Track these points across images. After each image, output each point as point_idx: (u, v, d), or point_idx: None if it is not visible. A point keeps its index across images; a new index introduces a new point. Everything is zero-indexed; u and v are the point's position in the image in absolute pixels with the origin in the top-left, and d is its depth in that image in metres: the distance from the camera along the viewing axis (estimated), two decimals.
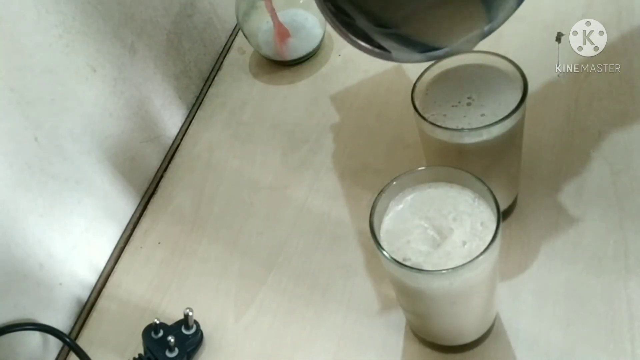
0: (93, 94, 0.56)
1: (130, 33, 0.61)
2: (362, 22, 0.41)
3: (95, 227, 0.57)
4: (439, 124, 0.42)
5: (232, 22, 0.80)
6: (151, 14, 0.64)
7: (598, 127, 0.55)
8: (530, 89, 0.42)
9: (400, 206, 0.40)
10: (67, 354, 0.52)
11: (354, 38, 0.41)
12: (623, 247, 0.47)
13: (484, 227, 0.37)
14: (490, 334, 0.45)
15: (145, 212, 0.62)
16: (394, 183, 0.39)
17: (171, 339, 0.47)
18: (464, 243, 0.37)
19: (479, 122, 0.42)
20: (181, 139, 0.68)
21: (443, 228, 0.38)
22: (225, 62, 0.76)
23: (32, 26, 0.49)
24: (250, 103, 0.70)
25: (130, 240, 0.60)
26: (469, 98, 0.44)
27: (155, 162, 0.66)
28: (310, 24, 0.70)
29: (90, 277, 0.57)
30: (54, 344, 0.52)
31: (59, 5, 0.52)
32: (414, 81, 0.44)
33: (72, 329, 0.54)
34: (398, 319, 0.47)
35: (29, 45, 0.49)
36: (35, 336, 0.50)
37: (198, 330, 0.49)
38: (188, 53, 0.71)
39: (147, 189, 0.64)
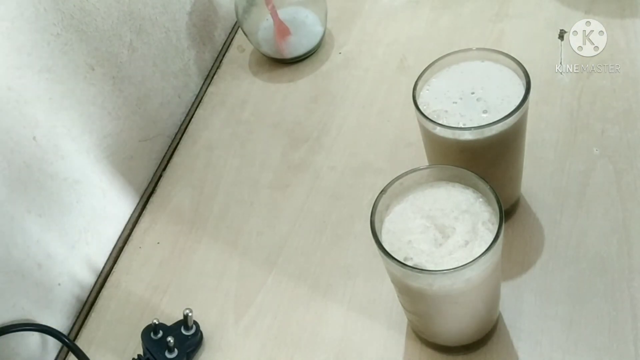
0: (92, 92, 0.56)
1: (129, 31, 0.60)
2: None
3: (93, 226, 0.56)
4: (440, 121, 0.42)
5: (231, 20, 0.80)
6: (150, 12, 0.64)
7: (601, 125, 0.54)
8: (533, 86, 0.42)
9: (402, 205, 0.39)
10: (66, 355, 0.52)
11: None
12: (626, 246, 0.46)
13: (486, 226, 0.37)
14: (492, 334, 0.44)
15: (144, 211, 0.62)
16: (396, 182, 0.39)
17: (171, 339, 0.47)
18: (466, 242, 0.36)
19: (481, 119, 0.42)
20: (180, 138, 0.68)
21: (445, 227, 0.37)
22: (225, 60, 0.76)
23: (30, 24, 0.49)
24: (250, 101, 0.69)
25: (129, 240, 0.60)
26: (471, 94, 0.43)
27: (154, 161, 0.65)
28: (311, 22, 0.70)
29: (89, 277, 0.56)
30: (53, 344, 0.52)
31: (58, 4, 0.51)
32: (415, 78, 0.44)
33: (71, 329, 0.54)
34: (399, 319, 0.47)
35: (27, 43, 0.49)
36: (34, 337, 0.50)
37: (198, 330, 0.49)
38: (187, 51, 0.71)
39: (146, 188, 0.64)
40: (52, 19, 0.51)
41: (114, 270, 0.57)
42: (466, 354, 0.44)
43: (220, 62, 0.76)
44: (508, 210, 0.50)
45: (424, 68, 0.44)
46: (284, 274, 0.53)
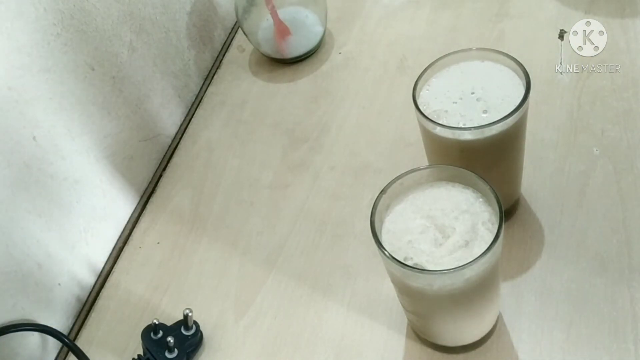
0: (92, 92, 0.56)
1: (129, 31, 0.60)
2: None
3: (93, 226, 0.56)
4: (440, 121, 0.42)
5: (231, 20, 0.80)
6: (150, 12, 0.64)
7: (601, 125, 0.54)
8: (533, 86, 0.42)
9: (402, 205, 0.39)
10: (66, 355, 0.52)
11: None
12: (626, 246, 0.46)
13: (486, 226, 0.37)
14: (492, 334, 0.44)
15: (144, 211, 0.62)
16: (396, 182, 0.39)
17: (171, 339, 0.47)
18: (466, 242, 0.36)
19: (481, 119, 0.42)
20: (180, 138, 0.68)
21: (445, 227, 0.37)
22: (225, 60, 0.76)
23: (30, 24, 0.49)
24: (250, 101, 0.69)
25: (129, 240, 0.59)
26: (471, 94, 0.43)
27: (154, 161, 0.65)
28: (311, 22, 0.70)
29: (89, 277, 0.56)
30: (53, 344, 0.52)
31: (58, 4, 0.51)
32: (415, 78, 0.44)
33: (71, 329, 0.54)
34: (400, 319, 0.47)
35: (27, 43, 0.49)
36: (34, 337, 0.50)
37: (198, 330, 0.49)
38: (187, 51, 0.71)
39: (146, 188, 0.64)
40: (52, 19, 0.51)
41: (114, 270, 0.57)
42: (466, 354, 0.44)
43: (220, 62, 0.76)
44: (508, 210, 0.50)
45: (424, 68, 0.44)
46: (284, 274, 0.53)
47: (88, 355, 0.50)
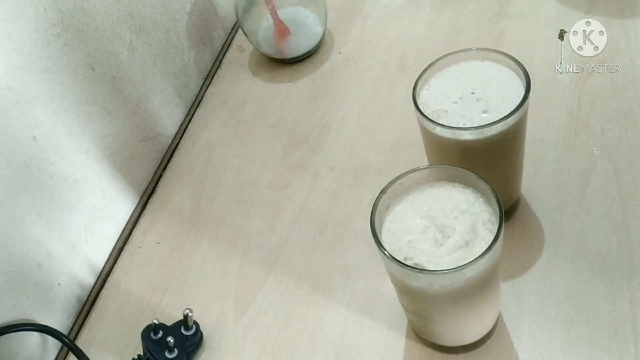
0: (92, 92, 0.56)
1: (129, 31, 0.60)
2: None
3: (94, 226, 0.56)
4: (440, 121, 0.42)
5: (231, 20, 0.80)
6: (150, 12, 0.64)
7: (601, 125, 0.54)
8: (533, 86, 0.42)
9: (402, 205, 0.39)
10: (66, 355, 0.52)
11: None
12: (626, 246, 0.46)
13: (486, 226, 0.37)
14: (492, 334, 0.44)
15: (144, 211, 0.62)
16: (396, 182, 0.39)
17: (171, 339, 0.47)
18: (466, 242, 0.36)
19: (481, 119, 0.42)
20: (180, 138, 0.68)
21: (445, 227, 0.37)
22: (225, 60, 0.76)
23: (30, 24, 0.49)
24: (250, 101, 0.69)
25: (129, 240, 0.60)
26: (471, 94, 0.43)
27: (154, 161, 0.65)
28: (311, 22, 0.70)
29: (89, 277, 0.56)
30: (53, 344, 0.52)
31: (58, 4, 0.51)
32: (415, 78, 0.44)
33: (71, 329, 0.54)
34: (400, 319, 0.47)
35: (27, 43, 0.49)
36: (34, 337, 0.50)
37: (198, 330, 0.49)
38: (187, 51, 0.71)
39: (146, 188, 0.64)
40: (52, 19, 0.51)
41: (114, 270, 0.57)
42: (466, 354, 0.44)
43: (220, 62, 0.76)
44: (508, 210, 0.50)
45: (424, 68, 0.44)
46: (284, 274, 0.53)
47: (88, 355, 0.50)
